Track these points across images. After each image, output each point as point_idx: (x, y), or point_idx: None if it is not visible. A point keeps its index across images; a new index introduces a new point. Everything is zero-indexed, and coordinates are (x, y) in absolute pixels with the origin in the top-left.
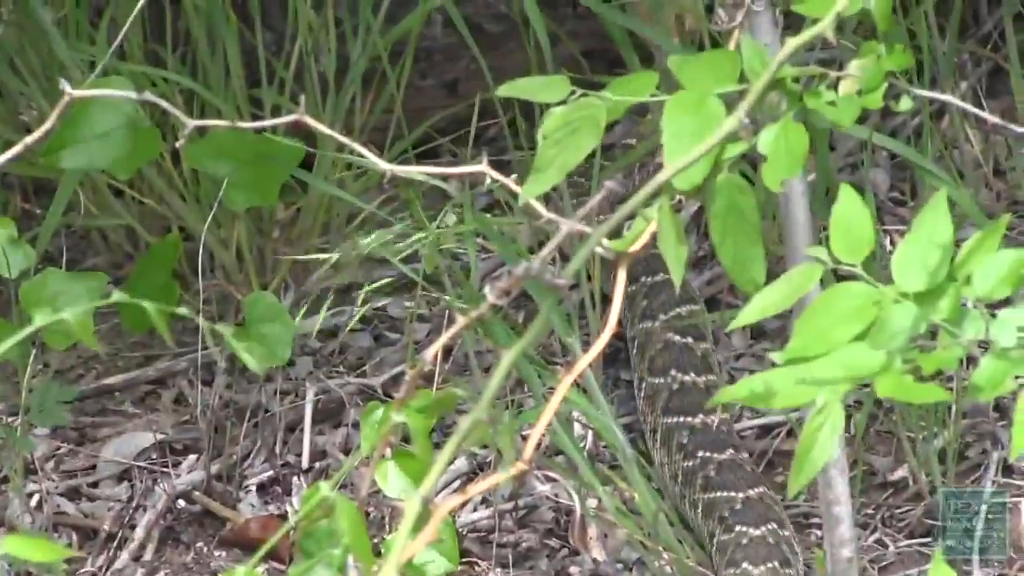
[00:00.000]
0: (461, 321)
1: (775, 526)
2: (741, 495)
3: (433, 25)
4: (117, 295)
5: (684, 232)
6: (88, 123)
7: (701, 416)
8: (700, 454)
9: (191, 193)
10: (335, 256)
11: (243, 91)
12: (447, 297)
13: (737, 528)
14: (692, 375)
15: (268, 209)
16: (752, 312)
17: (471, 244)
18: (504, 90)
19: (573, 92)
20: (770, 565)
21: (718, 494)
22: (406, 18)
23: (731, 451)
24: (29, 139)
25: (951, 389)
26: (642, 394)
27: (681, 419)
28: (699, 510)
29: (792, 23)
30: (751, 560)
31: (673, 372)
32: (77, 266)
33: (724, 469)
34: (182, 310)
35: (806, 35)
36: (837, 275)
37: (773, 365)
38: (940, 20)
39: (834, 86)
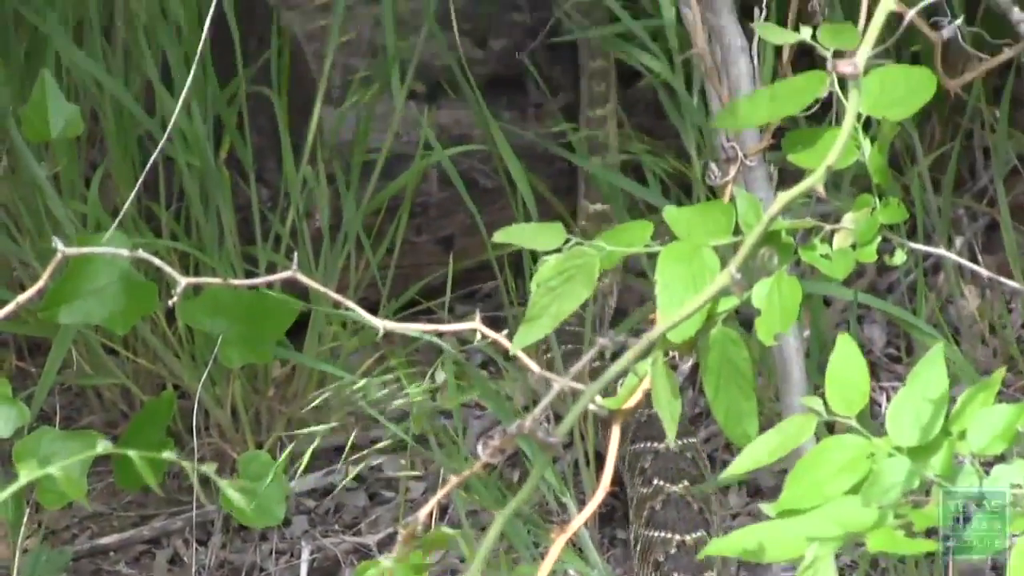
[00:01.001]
0: (453, 480)
1: None
2: None
3: (428, 181)
4: (102, 445)
5: (679, 388)
6: (84, 278)
7: None
8: None
9: (186, 351)
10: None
11: (237, 248)
12: (436, 458)
13: None
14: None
15: (263, 366)
16: (743, 463)
17: (457, 404)
18: (499, 236)
19: (567, 240)
20: None
21: None
22: (402, 175)
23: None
24: (22, 297)
25: (949, 547)
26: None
27: None
28: None
29: (786, 178)
30: None
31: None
32: (72, 424)
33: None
34: (169, 454)
35: (798, 188)
36: (831, 429)
37: (763, 518)
38: (935, 175)
39: (829, 240)
